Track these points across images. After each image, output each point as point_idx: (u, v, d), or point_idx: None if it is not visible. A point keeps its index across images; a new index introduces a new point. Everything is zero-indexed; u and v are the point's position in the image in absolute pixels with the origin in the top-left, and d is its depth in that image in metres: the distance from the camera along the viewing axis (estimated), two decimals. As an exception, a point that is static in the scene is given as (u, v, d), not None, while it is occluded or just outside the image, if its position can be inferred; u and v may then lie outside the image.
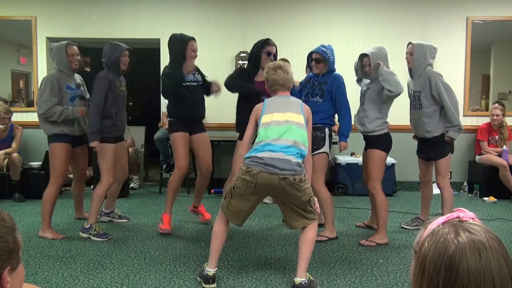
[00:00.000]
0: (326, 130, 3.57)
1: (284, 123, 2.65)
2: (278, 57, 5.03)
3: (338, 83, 3.59)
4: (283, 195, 2.60)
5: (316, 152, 3.47)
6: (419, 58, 3.62)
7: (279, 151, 2.55)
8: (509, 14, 5.77)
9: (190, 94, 3.71)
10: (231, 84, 3.67)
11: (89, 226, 3.64)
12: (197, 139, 3.82)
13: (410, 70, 3.76)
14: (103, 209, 4.15)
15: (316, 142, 3.48)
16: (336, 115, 3.76)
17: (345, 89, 3.61)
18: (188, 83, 3.71)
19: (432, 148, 3.72)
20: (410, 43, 3.72)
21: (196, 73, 3.83)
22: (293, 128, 2.65)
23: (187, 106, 3.71)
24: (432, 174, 3.96)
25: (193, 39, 3.77)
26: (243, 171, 2.56)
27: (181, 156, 3.69)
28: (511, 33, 5.94)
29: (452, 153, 3.77)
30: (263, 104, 2.79)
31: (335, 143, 4.07)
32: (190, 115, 3.76)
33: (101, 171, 3.70)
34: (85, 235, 3.64)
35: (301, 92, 3.74)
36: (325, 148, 3.56)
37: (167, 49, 3.89)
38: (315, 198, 2.69)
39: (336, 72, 3.67)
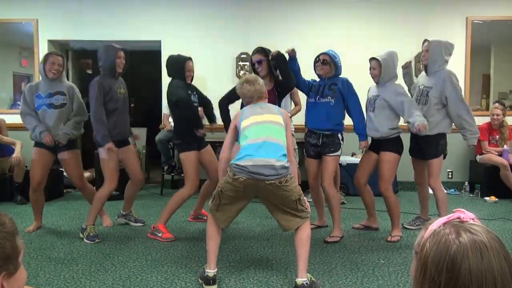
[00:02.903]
0: (339, 135, 3.65)
1: (262, 123, 2.75)
2: None
3: (348, 84, 3.66)
4: (272, 197, 2.66)
5: (333, 154, 3.62)
6: (433, 55, 3.63)
7: (259, 156, 2.58)
8: (509, 14, 5.77)
9: (196, 115, 3.80)
10: (219, 107, 3.80)
11: (85, 227, 3.66)
12: (207, 153, 3.89)
13: (425, 67, 3.75)
14: (121, 211, 4.17)
15: (334, 145, 3.62)
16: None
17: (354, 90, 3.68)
18: (194, 103, 3.80)
19: (425, 148, 3.71)
20: (426, 40, 3.69)
21: (195, 93, 3.86)
22: (271, 127, 2.74)
23: (198, 126, 3.78)
24: (426, 175, 3.93)
25: (190, 59, 3.80)
26: (230, 177, 2.61)
27: (196, 176, 3.71)
28: (511, 33, 5.94)
29: (444, 157, 3.76)
30: (241, 111, 2.91)
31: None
32: (200, 135, 3.81)
33: (104, 176, 3.73)
34: (82, 235, 3.66)
35: (310, 94, 3.73)
36: (340, 151, 3.67)
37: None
38: (305, 198, 2.73)
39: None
